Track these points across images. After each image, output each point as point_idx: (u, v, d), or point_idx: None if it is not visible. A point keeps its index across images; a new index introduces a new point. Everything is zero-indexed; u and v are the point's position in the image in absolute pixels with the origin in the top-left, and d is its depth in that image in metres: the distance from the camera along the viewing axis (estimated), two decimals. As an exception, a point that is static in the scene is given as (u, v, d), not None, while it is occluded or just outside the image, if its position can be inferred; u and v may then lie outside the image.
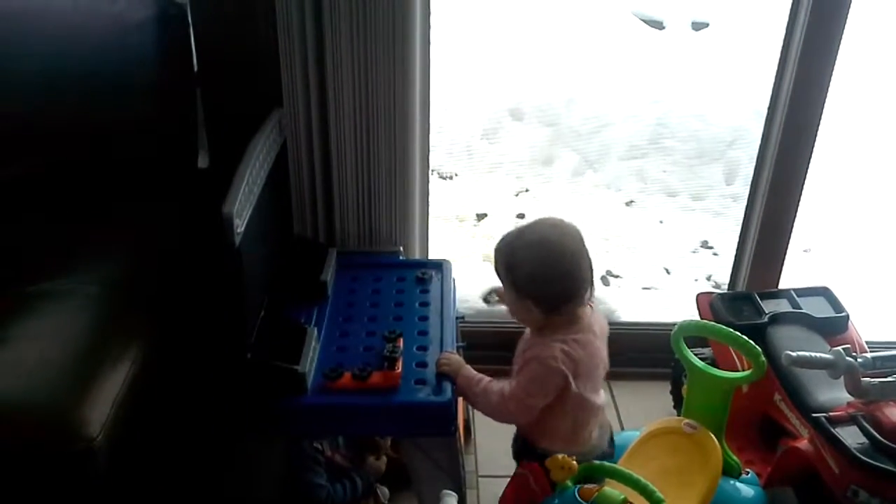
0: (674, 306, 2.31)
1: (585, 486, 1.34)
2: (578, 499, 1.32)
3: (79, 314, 1.32)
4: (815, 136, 1.94)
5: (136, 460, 1.28)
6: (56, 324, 1.30)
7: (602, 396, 1.46)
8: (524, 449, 1.47)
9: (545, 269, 1.35)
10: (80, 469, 1.12)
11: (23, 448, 1.12)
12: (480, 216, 2.83)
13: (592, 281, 1.40)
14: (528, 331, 1.44)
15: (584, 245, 1.38)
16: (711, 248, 2.76)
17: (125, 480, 1.26)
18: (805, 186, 1.99)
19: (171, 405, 1.41)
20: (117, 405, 1.18)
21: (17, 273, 1.41)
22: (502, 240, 1.40)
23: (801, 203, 2.01)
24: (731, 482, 1.56)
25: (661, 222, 2.86)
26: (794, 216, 2.03)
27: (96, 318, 1.32)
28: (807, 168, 1.97)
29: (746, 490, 1.57)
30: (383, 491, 1.64)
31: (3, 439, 1.12)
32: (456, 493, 1.32)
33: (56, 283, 1.39)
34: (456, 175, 3.01)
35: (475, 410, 1.60)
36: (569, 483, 1.35)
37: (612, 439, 1.51)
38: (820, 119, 1.91)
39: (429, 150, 1.88)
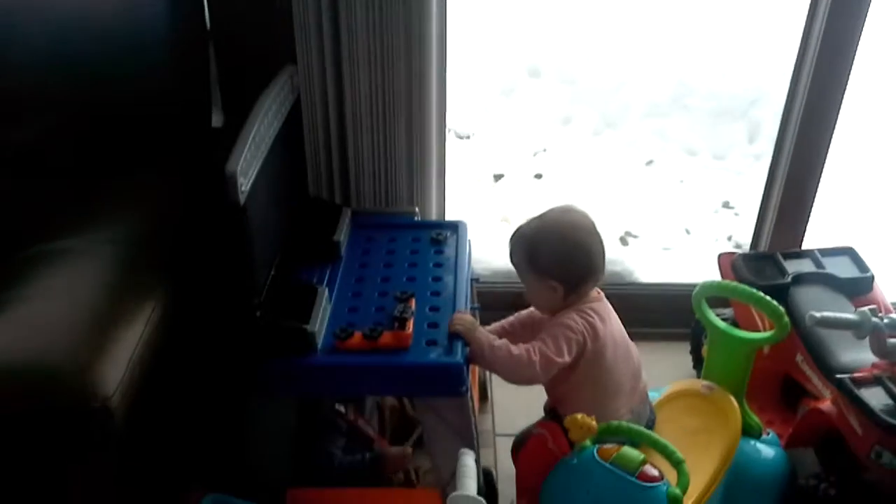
0: (693, 267, 2.29)
1: (605, 446, 1.34)
2: (597, 458, 1.31)
3: (93, 273, 1.32)
4: (843, 93, 1.89)
5: (152, 419, 1.28)
6: (70, 283, 1.30)
7: (633, 382, 1.49)
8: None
9: (567, 248, 1.43)
10: (97, 427, 1.12)
11: (40, 407, 1.12)
12: (497, 177, 2.80)
13: (604, 261, 1.47)
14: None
15: (595, 226, 1.46)
16: (732, 208, 2.72)
17: (141, 438, 1.26)
18: (832, 144, 1.95)
19: (186, 364, 1.41)
20: (132, 364, 1.18)
21: (31, 233, 1.41)
22: (518, 232, 1.48)
23: (826, 161, 1.96)
24: (752, 443, 1.54)
25: (681, 182, 2.82)
26: (820, 175, 1.98)
27: (110, 278, 1.31)
28: (833, 126, 1.93)
29: (767, 450, 1.55)
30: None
31: (19, 398, 1.12)
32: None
33: (69, 242, 1.38)
34: (473, 135, 2.97)
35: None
36: (588, 443, 1.34)
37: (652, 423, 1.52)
38: (848, 76, 1.86)
39: (445, 108, 1.86)
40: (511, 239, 1.49)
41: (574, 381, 1.43)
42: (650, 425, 1.49)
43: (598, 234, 1.46)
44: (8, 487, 1.16)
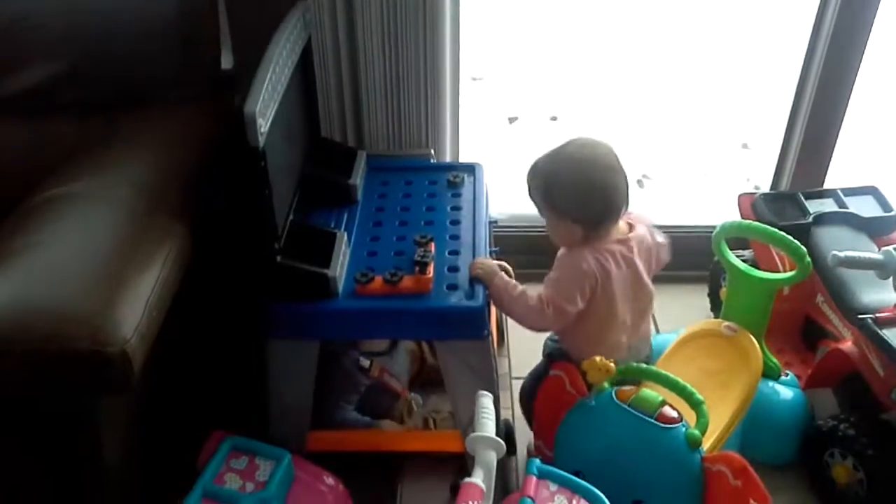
0: (710, 210, 2.26)
1: (623, 387, 1.33)
2: (616, 400, 1.31)
3: (107, 217, 1.30)
4: (870, 27, 1.84)
5: (170, 362, 1.28)
6: (85, 227, 1.29)
7: (638, 320, 1.46)
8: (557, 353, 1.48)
9: (584, 187, 1.36)
10: (115, 371, 1.12)
11: (57, 351, 1.12)
12: (512, 119, 2.76)
13: (628, 196, 1.39)
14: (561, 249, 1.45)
15: (617, 160, 1.39)
16: (751, 149, 2.67)
17: (160, 382, 1.27)
18: (856, 81, 1.90)
19: (204, 307, 1.40)
20: (150, 307, 1.17)
21: (44, 177, 1.39)
22: (535, 165, 1.41)
23: (850, 98, 1.92)
24: (771, 384, 1.54)
25: (699, 123, 2.77)
26: (844, 112, 1.94)
27: (125, 221, 1.29)
28: (859, 62, 1.88)
29: (786, 392, 1.56)
30: (416, 398, 1.65)
31: (37, 342, 1.12)
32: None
33: (83, 185, 1.36)
34: (486, 76, 2.91)
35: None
36: (606, 385, 1.34)
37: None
38: (876, 9, 1.81)
39: (459, 48, 1.81)
40: (528, 174, 1.43)
41: (579, 315, 1.40)
42: (647, 362, 1.48)
43: (618, 169, 1.37)
44: (32, 431, 1.17)
